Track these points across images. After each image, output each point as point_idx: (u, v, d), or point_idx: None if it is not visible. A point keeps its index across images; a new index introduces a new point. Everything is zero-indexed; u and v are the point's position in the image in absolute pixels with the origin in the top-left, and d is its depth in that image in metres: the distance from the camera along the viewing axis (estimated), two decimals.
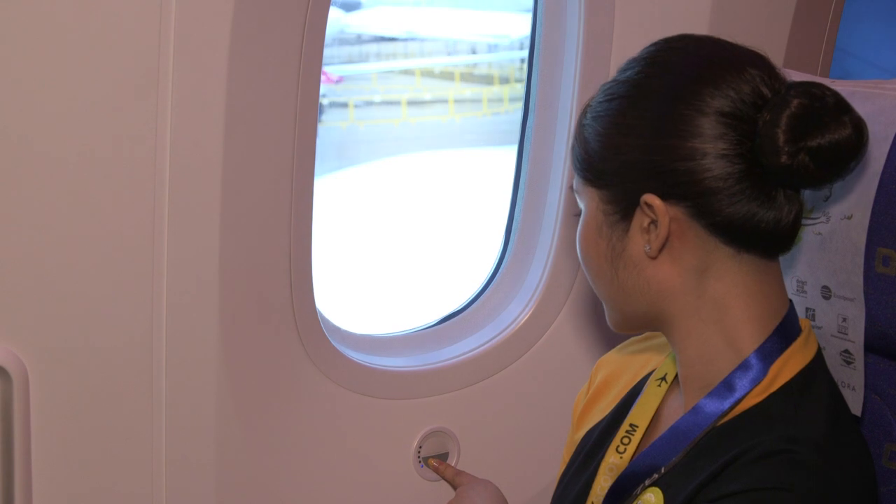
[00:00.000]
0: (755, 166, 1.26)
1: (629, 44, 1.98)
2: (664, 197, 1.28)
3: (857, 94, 1.45)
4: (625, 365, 1.57)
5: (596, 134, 1.34)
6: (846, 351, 1.45)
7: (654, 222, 1.30)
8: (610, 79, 1.37)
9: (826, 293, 1.46)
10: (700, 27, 1.95)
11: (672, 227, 1.29)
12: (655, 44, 1.36)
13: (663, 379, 1.46)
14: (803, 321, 1.36)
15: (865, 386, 1.46)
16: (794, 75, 1.58)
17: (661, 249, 1.31)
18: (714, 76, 1.28)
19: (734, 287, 1.31)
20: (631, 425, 1.44)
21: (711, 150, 1.26)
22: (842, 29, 2.21)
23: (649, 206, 1.29)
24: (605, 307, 1.43)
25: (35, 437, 1.66)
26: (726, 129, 1.26)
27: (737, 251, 1.30)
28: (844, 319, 1.44)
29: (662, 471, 1.32)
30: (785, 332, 1.32)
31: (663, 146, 1.28)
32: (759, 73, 1.29)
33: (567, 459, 1.58)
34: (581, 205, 1.39)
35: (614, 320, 1.43)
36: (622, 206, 1.32)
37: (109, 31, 1.58)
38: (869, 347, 1.45)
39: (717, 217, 1.27)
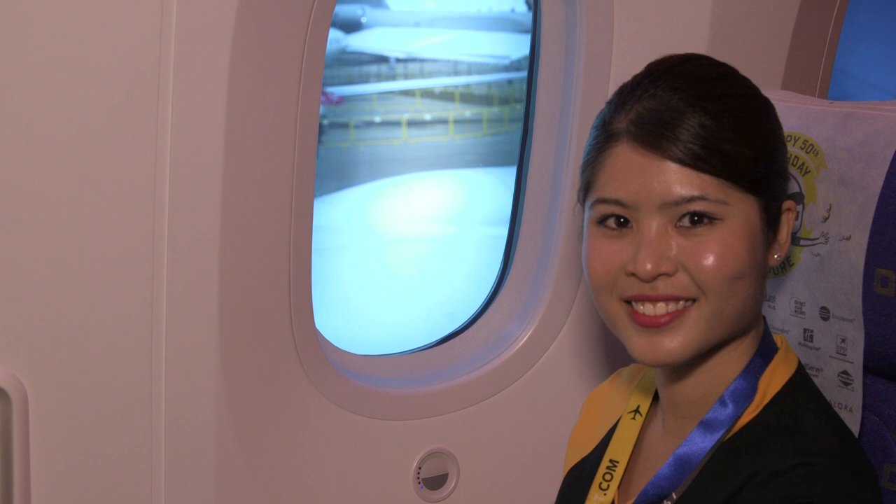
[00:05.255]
0: None
1: (628, 65, 1.98)
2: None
3: (856, 115, 1.45)
4: (609, 401, 1.56)
5: (745, 141, 1.28)
6: (844, 372, 1.45)
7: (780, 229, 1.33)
8: (703, 84, 1.31)
9: (825, 314, 1.46)
10: (698, 48, 1.96)
11: None
12: (702, 56, 1.37)
13: (637, 411, 1.45)
14: (778, 336, 1.37)
15: (865, 406, 1.46)
16: (792, 97, 1.58)
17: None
18: None
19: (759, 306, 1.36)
20: (611, 461, 1.42)
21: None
22: (841, 50, 2.22)
23: (791, 211, 1.33)
24: (707, 327, 1.29)
25: (34, 458, 1.65)
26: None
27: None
28: (843, 340, 1.44)
29: (674, 497, 1.31)
30: (765, 349, 1.35)
31: (783, 154, 1.34)
32: None
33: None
34: (718, 214, 1.27)
35: (701, 345, 1.30)
36: (773, 213, 1.31)
37: (109, 50, 1.58)
38: (868, 368, 1.44)
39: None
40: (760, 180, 1.29)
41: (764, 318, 1.38)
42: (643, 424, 1.44)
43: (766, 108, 1.34)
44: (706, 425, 1.31)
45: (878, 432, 1.45)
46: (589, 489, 1.44)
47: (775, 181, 1.31)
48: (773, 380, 1.32)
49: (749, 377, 1.32)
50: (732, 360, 1.33)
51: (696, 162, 1.26)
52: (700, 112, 1.27)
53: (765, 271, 1.32)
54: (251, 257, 1.76)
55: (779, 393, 1.32)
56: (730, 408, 1.30)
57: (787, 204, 1.33)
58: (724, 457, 1.30)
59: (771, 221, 1.31)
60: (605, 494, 1.40)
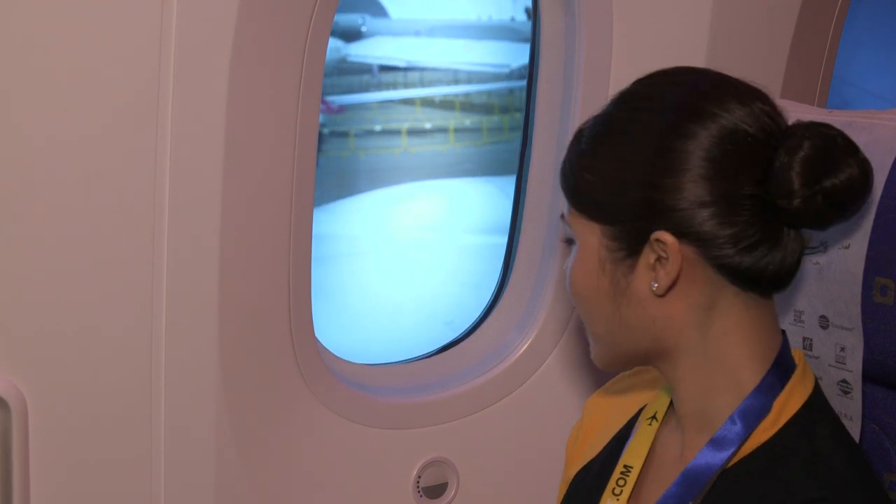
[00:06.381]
0: (766, 209, 1.25)
1: (627, 74, 1.97)
2: (676, 235, 1.25)
3: (855, 124, 1.45)
4: (614, 404, 1.55)
5: (594, 167, 1.30)
6: (844, 381, 1.45)
7: (661, 259, 1.27)
8: (603, 108, 1.33)
9: (824, 323, 1.46)
10: (697, 57, 1.96)
11: (682, 265, 1.26)
12: (651, 75, 1.34)
13: (654, 417, 1.44)
14: (796, 352, 1.35)
15: (864, 415, 1.46)
16: (791, 106, 1.58)
17: (670, 288, 1.28)
18: (717, 111, 1.26)
19: (738, 324, 1.30)
20: (625, 466, 1.42)
21: (718, 192, 1.24)
22: (839, 58, 2.22)
23: (661, 243, 1.26)
24: (594, 345, 1.38)
25: (34, 467, 1.65)
26: (735, 169, 1.24)
27: (742, 289, 1.29)
28: (842, 349, 1.44)
29: None
30: (782, 366, 1.32)
31: (666, 185, 1.25)
32: (764, 108, 1.27)
33: (562, 496, 1.57)
34: (573, 235, 1.34)
35: (606, 358, 1.38)
36: (629, 242, 1.28)
37: (110, 56, 1.58)
38: (867, 377, 1.44)
39: (726, 260, 1.26)
40: (605, 208, 1.29)
41: (784, 332, 1.35)
42: (658, 431, 1.44)
43: (645, 134, 1.28)
44: (716, 443, 1.30)
45: (877, 441, 1.45)
46: (596, 493, 1.44)
47: (628, 210, 1.28)
48: (790, 401, 1.30)
49: (761, 396, 1.30)
50: (701, 377, 1.32)
51: (560, 185, 1.35)
52: (581, 135, 1.34)
53: (633, 298, 1.30)
54: (251, 266, 1.76)
55: (796, 415, 1.30)
56: (739, 426, 1.29)
57: (658, 235, 1.26)
58: (736, 478, 1.28)
59: (631, 250, 1.28)
60: (617, 500, 1.40)
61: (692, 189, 1.24)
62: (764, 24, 2.05)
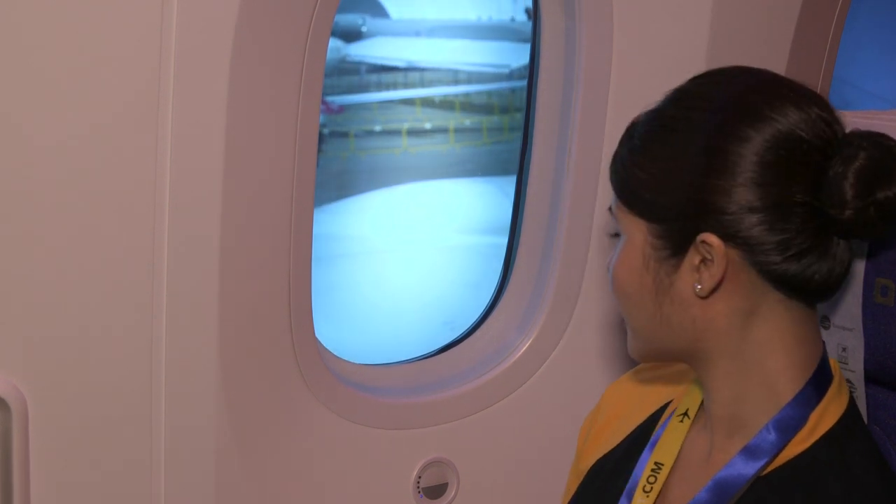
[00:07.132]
0: (816, 217, 1.23)
1: (627, 74, 1.99)
2: (723, 238, 1.24)
3: (855, 124, 1.45)
4: (637, 394, 1.54)
5: (644, 164, 1.28)
6: (847, 381, 1.45)
7: (706, 261, 1.25)
8: (657, 104, 1.32)
9: (825, 323, 1.46)
10: (698, 57, 1.96)
11: (727, 268, 1.25)
12: (706, 73, 1.32)
13: (685, 415, 1.42)
14: (832, 362, 1.33)
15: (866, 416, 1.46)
16: None
17: (713, 290, 1.26)
18: (772, 115, 1.24)
19: (779, 331, 1.28)
20: (656, 463, 1.40)
21: (769, 198, 1.22)
22: (840, 59, 2.22)
23: (707, 245, 1.24)
24: (632, 337, 1.36)
25: (34, 467, 1.65)
26: (788, 176, 1.23)
27: (786, 297, 1.27)
28: (844, 349, 1.44)
29: None
30: (821, 378, 1.30)
31: (715, 186, 1.24)
32: (822, 114, 1.25)
33: (573, 488, 1.55)
34: (620, 229, 1.33)
35: (643, 353, 1.37)
36: (675, 242, 1.27)
37: (110, 57, 1.59)
38: (867, 377, 1.44)
39: (773, 266, 1.24)
40: (652, 207, 1.28)
41: (824, 343, 1.33)
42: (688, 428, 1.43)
43: (698, 134, 1.26)
44: (749, 451, 1.28)
45: (879, 442, 1.45)
46: (614, 484, 1.42)
47: (676, 209, 1.27)
48: (826, 415, 1.29)
49: (798, 407, 1.28)
50: (737, 381, 1.31)
51: (609, 179, 1.34)
52: (633, 130, 1.32)
53: (675, 297, 1.29)
54: (251, 266, 1.76)
55: (831, 430, 1.28)
56: (773, 436, 1.28)
57: (704, 237, 1.25)
58: (767, 488, 1.27)
59: (676, 249, 1.28)
60: (647, 496, 1.39)
61: (742, 193, 1.23)
62: (764, 24, 2.05)
